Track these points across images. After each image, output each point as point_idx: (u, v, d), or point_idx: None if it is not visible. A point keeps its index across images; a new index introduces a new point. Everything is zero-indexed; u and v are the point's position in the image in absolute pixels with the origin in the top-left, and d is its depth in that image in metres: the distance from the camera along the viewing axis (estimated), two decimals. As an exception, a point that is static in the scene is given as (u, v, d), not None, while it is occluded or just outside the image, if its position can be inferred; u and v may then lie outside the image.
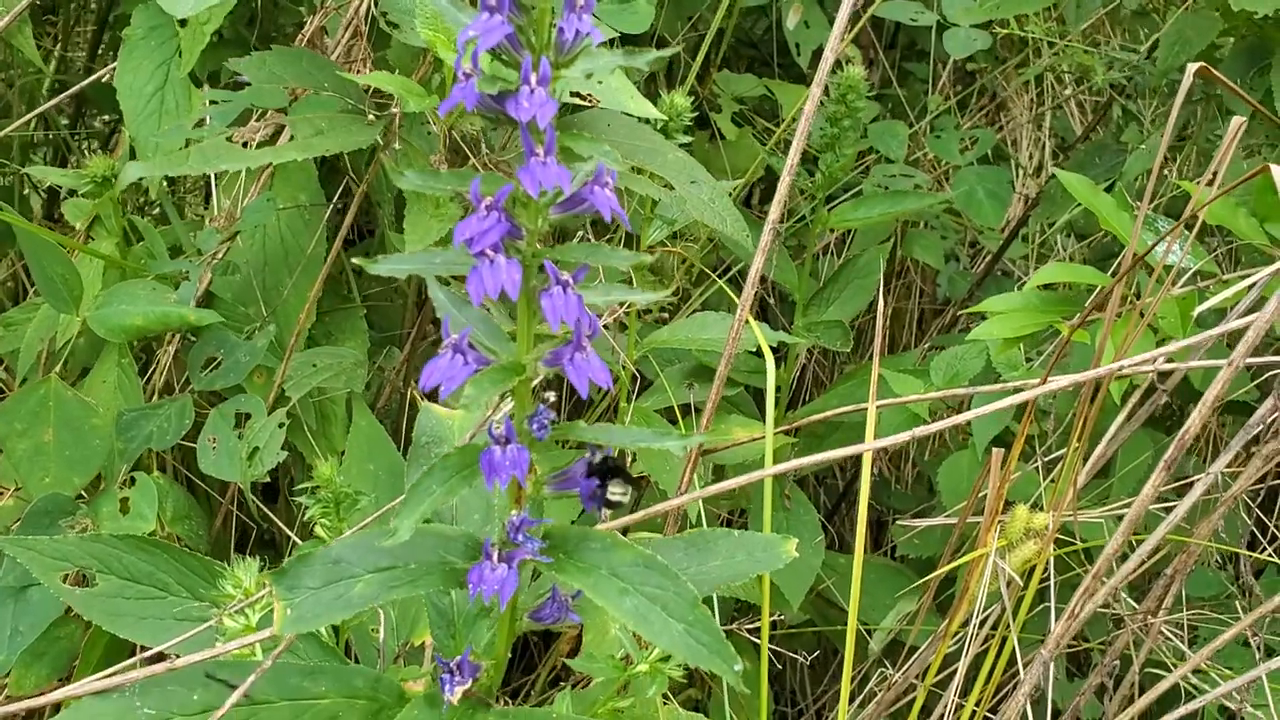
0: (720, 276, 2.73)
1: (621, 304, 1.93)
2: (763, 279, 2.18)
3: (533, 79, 0.99)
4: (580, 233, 1.78)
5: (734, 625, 1.81)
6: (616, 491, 1.19)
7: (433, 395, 1.29)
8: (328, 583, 1.11)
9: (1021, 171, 3.18)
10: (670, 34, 3.07)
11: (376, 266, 1.08)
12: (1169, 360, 1.57)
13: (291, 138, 1.91)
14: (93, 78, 2.14)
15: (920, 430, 1.42)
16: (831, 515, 2.89)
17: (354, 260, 1.08)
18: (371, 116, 1.61)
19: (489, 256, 1.03)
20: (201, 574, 1.54)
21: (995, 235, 2.98)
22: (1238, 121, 1.56)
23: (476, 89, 0.98)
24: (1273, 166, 1.44)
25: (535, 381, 1.15)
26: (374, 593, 1.10)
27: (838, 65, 2.87)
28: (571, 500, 1.19)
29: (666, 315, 2.62)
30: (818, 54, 3.09)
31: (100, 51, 3.16)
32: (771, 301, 2.96)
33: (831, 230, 2.98)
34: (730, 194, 1.92)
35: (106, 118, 3.08)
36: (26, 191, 2.87)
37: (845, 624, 2.41)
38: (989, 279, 2.82)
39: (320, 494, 1.53)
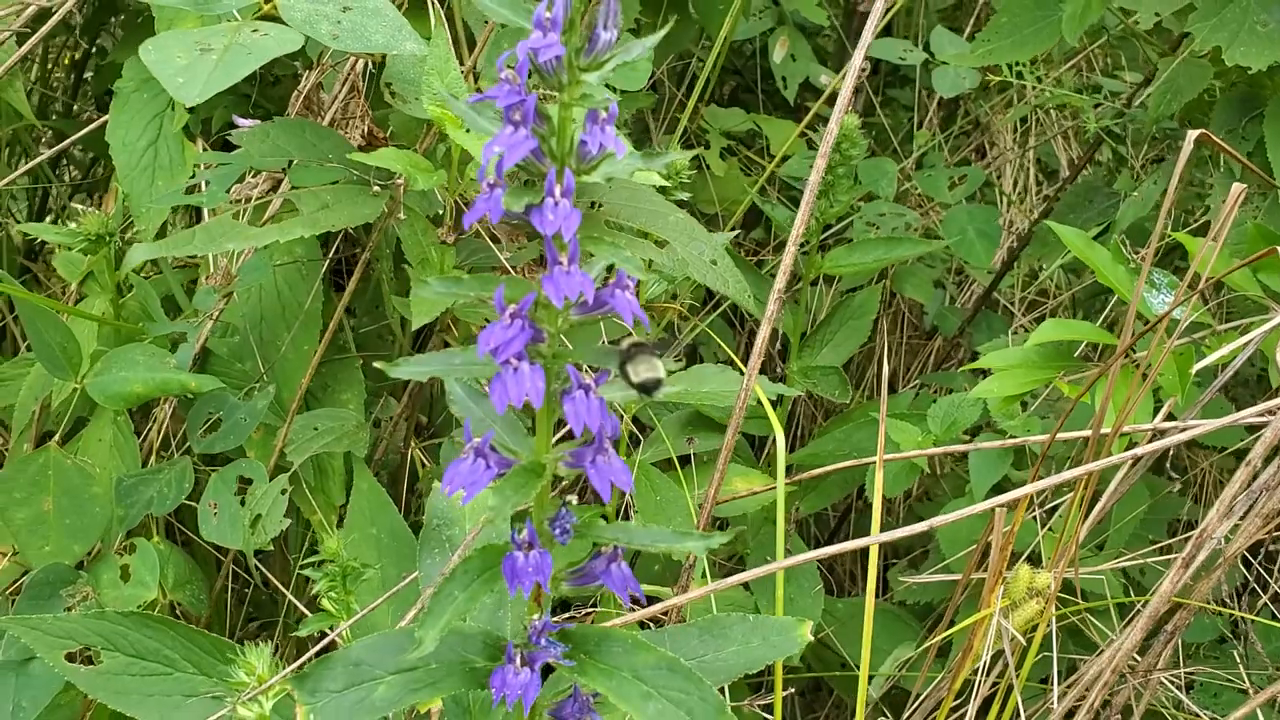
0: (712, 308, 2.74)
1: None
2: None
3: (557, 191, 0.99)
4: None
5: (744, 703, 1.81)
6: (643, 372, 1.09)
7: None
8: (349, 685, 1.11)
9: (1006, 199, 3.20)
10: (656, 64, 3.07)
11: (397, 370, 1.08)
12: (1177, 427, 1.58)
13: (289, 201, 1.91)
14: (83, 131, 2.12)
15: (926, 525, 1.43)
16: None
17: (376, 364, 1.08)
18: (376, 187, 1.60)
19: (513, 365, 1.03)
20: (209, 650, 1.53)
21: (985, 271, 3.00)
22: (1238, 189, 1.57)
23: (503, 205, 0.98)
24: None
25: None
26: (396, 695, 1.10)
27: (826, 93, 2.88)
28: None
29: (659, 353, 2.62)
30: (804, 86, 3.10)
31: (83, 85, 3.14)
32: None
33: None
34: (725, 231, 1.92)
35: (92, 154, 3.06)
36: (5, 222, 2.85)
37: (840, 666, 2.43)
38: (979, 315, 2.83)
39: (327, 568, 1.53)
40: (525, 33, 1.00)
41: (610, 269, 1.09)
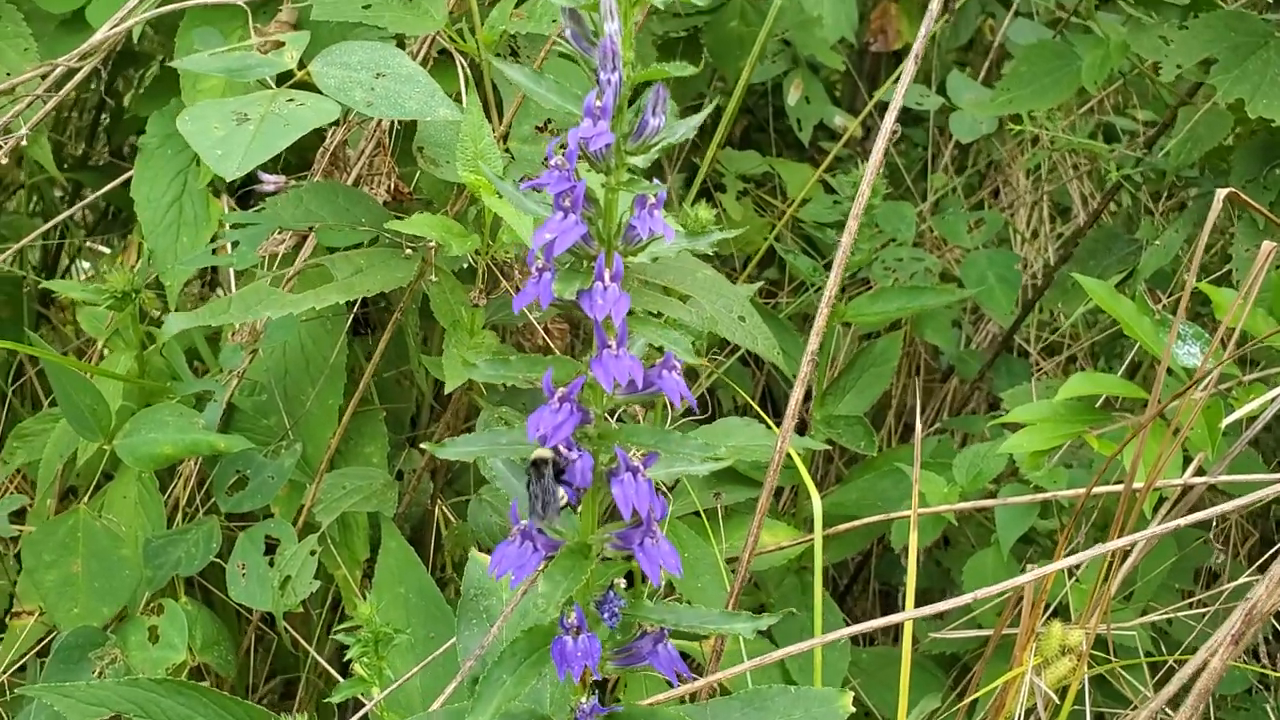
0: (730, 352, 2.73)
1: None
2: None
3: (606, 275, 0.99)
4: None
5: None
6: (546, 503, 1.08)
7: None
8: (395, 769, 1.10)
9: (1020, 239, 3.20)
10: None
11: (444, 451, 1.08)
12: (1210, 487, 1.57)
13: (315, 249, 1.91)
14: (106, 189, 2.13)
15: (970, 598, 1.42)
16: (845, 595, 2.88)
17: (422, 446, 1.07)
18: (408, 250, 1.60)
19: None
20: (240, 717, 1.52)
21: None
22: (1269, 248, 1.57)
23: (553, 291, 0.98)
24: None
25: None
26: (442, 779, 1.09)
27: (844, 137, 2.89)
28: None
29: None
30: (819, 128, 3.11)
31: (99, 128, 3.15)
32: (781, 383, 2.96)
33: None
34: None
35: (107, 199, 3.06)
36: (23, 271, 2.85)
37: (864, 716, 2.41)
38: (999, 359, 2.82)
39: (360, 634, 1.52)
40: (568, 112, 1.00)
41: (656, 347, 1.09)
